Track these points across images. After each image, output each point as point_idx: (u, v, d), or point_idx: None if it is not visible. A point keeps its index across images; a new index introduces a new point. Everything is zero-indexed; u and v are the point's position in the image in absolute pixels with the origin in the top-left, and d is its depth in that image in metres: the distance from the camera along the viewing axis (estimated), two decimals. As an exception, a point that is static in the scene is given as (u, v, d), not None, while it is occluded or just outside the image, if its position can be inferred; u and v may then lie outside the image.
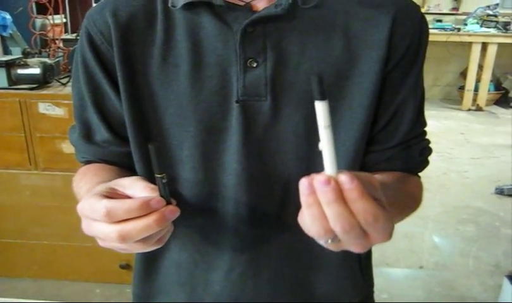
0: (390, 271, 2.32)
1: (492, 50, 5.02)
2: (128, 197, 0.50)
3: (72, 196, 0.64)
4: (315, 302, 0.70)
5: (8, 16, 1.99)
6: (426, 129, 0.68)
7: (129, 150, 0.64)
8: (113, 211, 0.45)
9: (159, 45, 0.59)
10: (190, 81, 0.59)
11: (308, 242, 0.46)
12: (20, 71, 1.86)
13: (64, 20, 2.38)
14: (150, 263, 0.72)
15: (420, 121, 0.66)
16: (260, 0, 0.58)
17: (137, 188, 0.50)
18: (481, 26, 5.12)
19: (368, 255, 0.75)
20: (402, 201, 0.63)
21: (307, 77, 0.58)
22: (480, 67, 5.14)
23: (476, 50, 5.06)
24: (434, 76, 5.74)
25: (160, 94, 0.60)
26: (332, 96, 0.59)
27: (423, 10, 5.03)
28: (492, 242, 2.58)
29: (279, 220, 0.64)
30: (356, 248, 0.43)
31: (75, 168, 0.70)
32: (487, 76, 5.13)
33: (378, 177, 0.61)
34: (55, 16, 2.16)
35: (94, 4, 0.64)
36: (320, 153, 0.41)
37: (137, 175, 0.64)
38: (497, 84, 5.54)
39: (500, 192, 3.14)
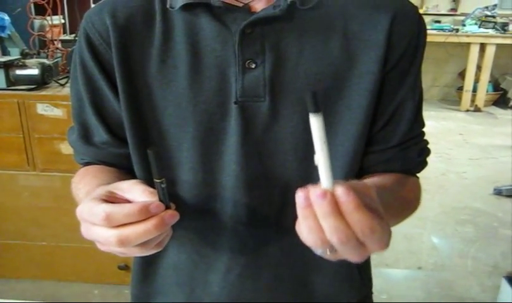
0: (389, 272, 2.32)
1: (490, 51, 5.03)
2: (127, 201, 0.50)
3: (71, 197, 0.64)
4: (313, 302, 0.70)
5: (6, 17, 1.99)
6: (424, 129, 0.68)
7: (128, 151, 0.64)
8: (112, 216, 0.45)
9: (158, 46, 0.59)
10: (189, 82, 0.59)
11: (307, 243, 0.46)
12: (18, 72, 1.86)
13: (63, 21, 2.38)
14: (148, 264, 0.72)
15: (418, 122, 0.66)
16: (258, 1, 0.59)
17: (136, 192, 0.50)
18: (479, 27, 5.13)
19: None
20: (401, 204, 0.63)
21: (306, 78, 0.58)
22: (479, 67, 5.14)
23: (474, 51, 5.07)
24: (432, 76, 5.75)
25: (158, 95, 0.60)
26: (330, 96, 0.59)
27: (421, 11, 5.02)
28: (490, 242, 2.59)
29: (277, 221, 0.64)
30: (353, 258, 0.43)
31: (74, 169, 0.70)
32: (485, 76, 5.14)
33: (376, 180, 0.61)
34: (54, 17, 2.15)
35: (92, 5, 0.64)
36: None
37: (136, 177, 0.64)
38: (495, 84, 5.55)
39: (498, 192, 3.14)
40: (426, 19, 4.18)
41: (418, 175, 0.70)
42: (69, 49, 2.08)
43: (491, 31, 5.09)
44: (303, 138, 0.60)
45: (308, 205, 0.40)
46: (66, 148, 1.81)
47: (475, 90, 5.24)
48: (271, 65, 0.58)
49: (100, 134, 0.65)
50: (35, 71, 1.86)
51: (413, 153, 0.66)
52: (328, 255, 0.44)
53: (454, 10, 5.71)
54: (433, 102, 5.67)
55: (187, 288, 0.70)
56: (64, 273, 2.10)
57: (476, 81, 5.19)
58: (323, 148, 0.40)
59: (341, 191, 0.40)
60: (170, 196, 0.49)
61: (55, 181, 1.91)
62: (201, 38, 0.59)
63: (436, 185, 3.25)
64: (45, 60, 1.95)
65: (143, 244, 0.47)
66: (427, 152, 0.68)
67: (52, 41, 2.13)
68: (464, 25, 5.25)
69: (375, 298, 0.78)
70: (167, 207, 0.48)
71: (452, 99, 5.75)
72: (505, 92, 5.49)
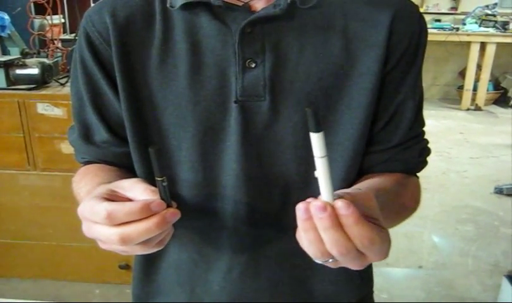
0: (389, 271, 2.32)
1: (490, 50, 5.02)
2: (128, 199, 0.50)
3: (71, 197, 0.64)
4: (314, 302, 0.70)
5: (6, 17, 1.99)
6: (425, 128, 0.68)
7: (128, 150, 0.64)
8: (114, 214, 0.45)
9: (158, 45, 0.59)
10: (189, 82, 0.59)
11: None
12: (19, 71, 1.86)
13: (63, 20, 2.37)
14: (149, 263, 0.72)
15: (418, 121, 0.66)
16: (258, 0, 0.58)
17: (137, 190, 0.50)
18: (479, 26, 5.13)
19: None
20: (400, 207, 0.63)
21: (306, 78, 0.58)
22: (479, 66, 5.14)
23: (474, 50, 5.06)
24: (433, 75, 5.74)
25: (158, 94, 0.60)
26: (330, 96, 0.59)
27: (421, 10, 5.02)
28: (491, 241, 2.59)
29: (278, 220, 0.64)
30: (353, 266, 0.44)
31: (74, 169, 0.70)
32: (485, 75, 5.14)
33: (377, 181, 0.61)
34: (54, 16, 2.15)
35: (92, 4, 0.64)
36: None
37: (136, 176, 0.64)
38: (495, 83, 5.54)
39: (499, 191, 3.14)
40: (427, 18, 4.16)
41: (418, 174, 0.70)
42: (69, 48, 2.08)
43: (491, 30, 5.08)
44: (303, 137, 0.59)
45: (308, 218, 0.41)
46: (67, 148, 1.81)
47: (475, 89, 5.23)
48: (271, 65, 0.58)
49: (100, 133, 0.65)
50: (35, 71, 1.86)
51: (414, 152, 0.66)
52: (329, 263, 0.45)
53: (454, 9, 5.71)
54: (433, 101, 5.67)
55: (188, 287, 0.70)
56: (65, 273, 2.10)
57: (477, 79, 5.19)
58: (324, 163, 0.41)
59: (341, 204, 0.40)
60: (170, 195, 0.49)
61: (55, 181, 1.91)
62: (201, 37, 0.59)
63: (436, 184, 3.25)
64: (45, 60, 1.95)
65: (144, 242, 0.47)
66: (428, 151, 0.68)
67: (52, 40, 2.13)
68: (464, 24, 5.24)
69: (375, 297, 0.78)
70: (169, 206, 0.48)
71: (452, 98, 5.75)
72: (505, 91, 5.49)
